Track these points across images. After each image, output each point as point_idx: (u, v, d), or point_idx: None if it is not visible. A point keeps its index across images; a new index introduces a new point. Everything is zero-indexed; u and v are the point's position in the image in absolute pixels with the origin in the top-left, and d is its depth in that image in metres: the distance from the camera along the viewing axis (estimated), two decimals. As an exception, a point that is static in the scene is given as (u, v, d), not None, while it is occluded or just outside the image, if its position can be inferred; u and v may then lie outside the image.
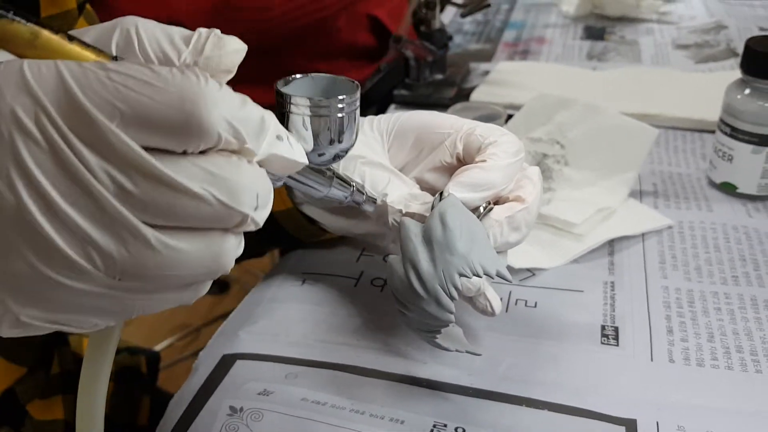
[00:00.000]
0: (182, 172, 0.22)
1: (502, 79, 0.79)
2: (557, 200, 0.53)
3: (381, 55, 0.85)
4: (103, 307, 0.23)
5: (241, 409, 0.37)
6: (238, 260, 0.28)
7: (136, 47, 0.25)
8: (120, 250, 0.22)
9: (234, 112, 0.23)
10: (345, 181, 0.35)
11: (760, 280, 0.46)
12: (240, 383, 0.39)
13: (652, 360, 0.40)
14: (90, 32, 0.26)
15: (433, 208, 0.36)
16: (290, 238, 0.50)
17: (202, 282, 0.25)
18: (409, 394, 0.38)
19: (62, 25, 0.37)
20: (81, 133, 0.21)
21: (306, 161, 0.27)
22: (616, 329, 0.42)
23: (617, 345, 0.41)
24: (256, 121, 0.24)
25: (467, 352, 0.37)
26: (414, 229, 0.35)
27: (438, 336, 0.36)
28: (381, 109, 0.73)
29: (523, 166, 0.40)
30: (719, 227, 0.51)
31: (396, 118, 0.43)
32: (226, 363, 0.41)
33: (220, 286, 1.63)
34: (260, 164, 0.25)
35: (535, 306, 0.45)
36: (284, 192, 0.45)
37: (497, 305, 0.38)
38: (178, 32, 0.25)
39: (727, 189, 0.55)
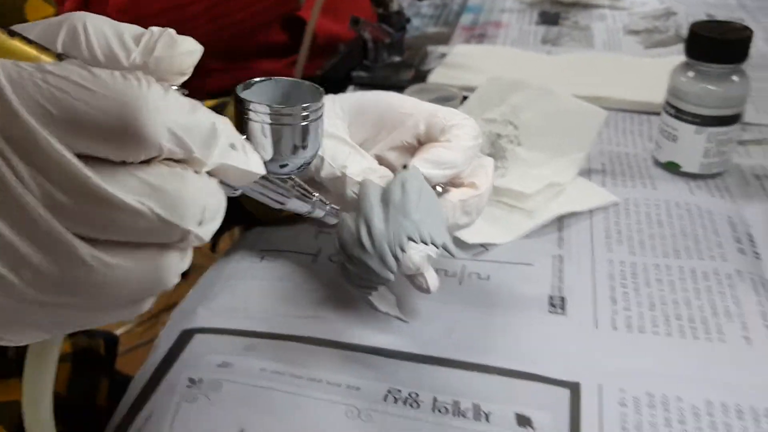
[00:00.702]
0: (118, 183, 0.20)
1: (458, 62, 0.81)
2: (510, 176, 0.55)
3: (294, 50, 0.82)
4: (39, 323, 0.22)
5: (200, 380, 0.38)
6: None
7: (83, 45, 0.23)
8: (50, 266, 0.20)
9: (180, 119, 0.21)
10: (307, 193, 0.34)
11: (700, 254, 0.48)
12: (199, 356, 0.40)
13: (596, 327, 0.42)
14: (36, 28, 0.24)
15: (395, 177, 0.37)
16: (248, 216, 0.51)
17: (143, 299, 0.24)
18: (365, 363, 0.39)
19: None
20: (12, 139, 0.19)
21: (262, 171, 0.26)
22: (563, 299, 0.44)
23: (564, 314, 0.43)
24: (206, 128, 0.22)
25: (396, 317, 0.39)
26: (374, 189, 0.37)
27: (372, 294, 0.37)
28: (339, 91, 0.74)
29: (479, 154, 0.42)
30: (663, 204, 0.54)
31: (358, 96, 0.44)
32: (184, 338, 0.42)
33: (180, 271, 1.62)
34: (212, 174, 0.23)
35: (488, 279, 0.47)
36: None
37: (434, 284, 0.39)
38: (128, 30, 0.24)
39: (672, 168, 0.58)
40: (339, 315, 0.43)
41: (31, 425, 0.30)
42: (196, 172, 0.23)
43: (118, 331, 1.38)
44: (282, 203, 0.32)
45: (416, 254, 0.38)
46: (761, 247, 0.49)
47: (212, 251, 0.97)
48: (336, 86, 0.75)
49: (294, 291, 0.46)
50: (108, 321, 0.23)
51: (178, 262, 0.23)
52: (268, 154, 0.28)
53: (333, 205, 0.36)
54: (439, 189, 0.40)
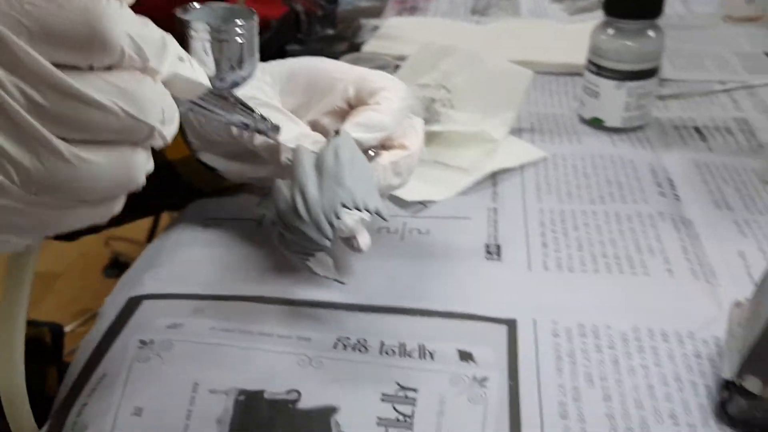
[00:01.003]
0: (90, 85, 0.23)
1: (391, 34, 0.82)
2: (445, 138, 0.57)
3: None
4: (19, 224, 0.24)
5: (151, 341, 0.39)
6: (142, 214, 0.28)
7: None
8: (35, 164, 0.22)
9: (136, 29, 0.24)
10: (248, 108, 0.36)
11: (623, 199, 0.51)
12: (148, 320, 0.41)
13: (529, 269, 0.44)
14: None
15: (328, 143, 0.38)
16: (189, 187, 0.51)
17: (115, 197, 0.26)
18: (314, 316, 0.41)
19: None
20: None
21: (208, 83, 0.28)
22: (498, 247, 0.46)
23: (500, 260, 0.45)
24: (158, 40, 0.25)
25: (335, 279, 0.40)
26: (307, 156, 0.38)
27: (310, 260, 0.39)
28: (274, 65, 0.74)
29: (409, 115, 0.44)
30: (588, 157, 0.57)
31: (287, 63, 0.45)
32: (132, 304, 0.42)
33: (121, 267, 1.59)
34: (164, 84, 0.25)
35: (428, 233, 0.48)
36: (181, 141, 0.46)
37: (365, 243, 0.41)
38: None
39: (595, 123, 0.61)
40: (285, 276, 0.44)
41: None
42: (153, 79, 0.25)
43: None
44: (226, 119, 0.34)
45: (350, 219, 0.39)
46: (681, 190, 0.52)
47: (148, 242, 0.96)
48: (270, 60, 0.75)
49: (239, 256, 0.46)
50: (83, 221, 0.25)
51: (145, 161, 0.26)
52: (211, 70, 0.31)
53: (274, 122, 0.37)
54: (371, 152, 0.41)
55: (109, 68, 0.24)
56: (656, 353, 0.38)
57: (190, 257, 0.46)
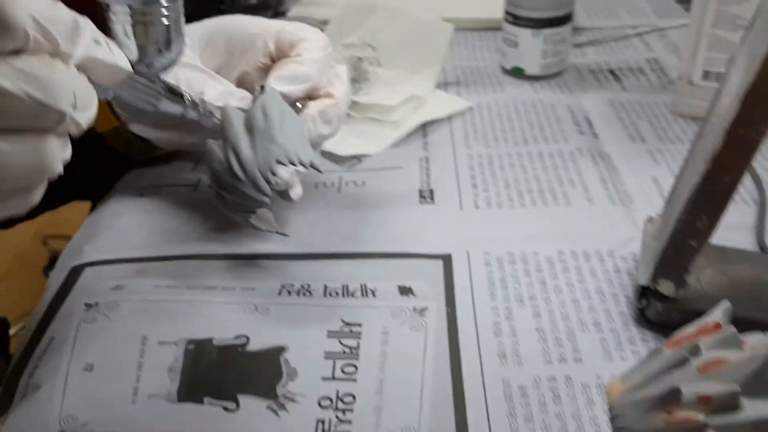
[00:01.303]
0: None
1: (314, 0, 0.83)
2: (375, 94, 0.58)
3: None
4: None
5: (96, 303, 0.39)
6: (78, 195, 0.27)
7: None
8: None
9: (43, 10, 0.22)
10: (178, 94, 0.35)
11: (545, 139, 0.54)
12: (92, 285, 0.41)
13: (461, 209, 0.47)
14: None
15: (254, 101, 0.39)
16: (121, 157, 0.51)
17: (30, 187, 0.25)
18: (258, 267, 0.42)
19: None
20: None
21: (128, 66, 0.27)
22: (431, 191, 0.48)
23: (433, 203, 0.47)
24: (69, 22, 0.24)
25: (277, 232, 0.41)
26: (236, 116, 0.38)
27: (251, 216, 0.40)
28: (200, 38, 0.74)
29: (331, 64, 0.44)
30: (511, 104, 0.59)
31: (206, 24, 0.45)
32: (75, 273, 0.43)
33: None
34: (80, 69, 0.25)
35: (364, 185, 0.50)
36: (110, 111, 0.46)
37: (297, 194, 0.42)
38: None
39: (516, 73, 0.63)
40: (226, 233, 0.45)
41: None
42: (65, 63, 0.24)
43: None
44: (153, 105, 0.33)
45: (285, 173, 0.40)
46: (598, 128, 0.55)
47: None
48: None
49: (179, 220, 0.47)
50: (2, 212, 0.24)
51: (60, 148, 0.24)
52: (133, 54, 0.29)
53: (207, 108, 0.37)
54: (298, 105, 0.42)
55: (16, 53, 0.23)
56: (580, 272, 0.40)
57: (128, 225, 0.47)
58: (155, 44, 0.30)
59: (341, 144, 0.52)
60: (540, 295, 0.39)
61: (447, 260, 0.42)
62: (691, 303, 0.35)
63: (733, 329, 0.25)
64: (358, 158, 0.53)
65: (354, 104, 0.56)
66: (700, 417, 0.23)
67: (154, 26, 0.29)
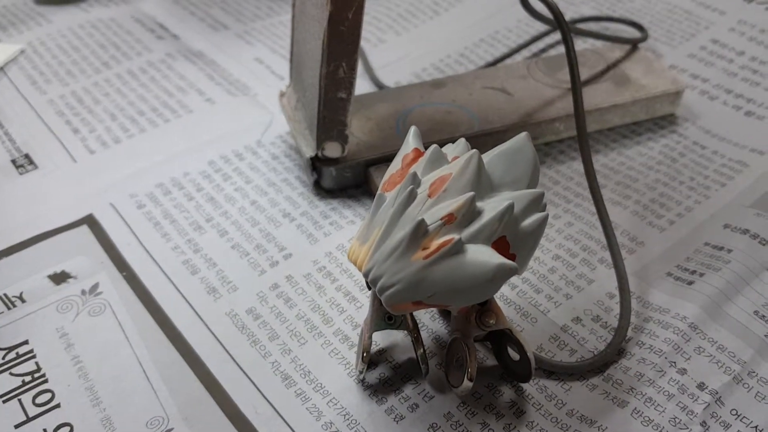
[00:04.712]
0: None
1: None
2: None
3: None
4: None
5: None
6: None
7: None
8: None
9: None
10: None
11: (127, 56, 0.47)
12: None
13: (75, 161, 0.38)
14: None
15: None
16: None
17: None
18: None
19: None
20: None
21: None
22: (27, 156, 0.39)
23: (37, 167, 0.38)
24: None
25: None
26: None
27: None
28: None
29: None
30: (68, 32, 0.50)
31: None
32: None
33: None
34: None
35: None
36: None
37: None
38: None
39: (58, 2, 0.53)
40: None
41: None
42: None
43: None
44: None
45: None
46: (175, 29, 0.50)
47: None
48: None
49: None
50: None
51: None
52: None
53: None
54: None
55: None
56: (241, 173, 0.37)
57: None
58: None
59: None
60: (216, 212, 0.35)
61: (90, 220, 0.34)
62: (356, 155, 0.35)
63: (435, 146, 0.25)
64: None
65: None
66: (455, 236, 0.22)
67: None
